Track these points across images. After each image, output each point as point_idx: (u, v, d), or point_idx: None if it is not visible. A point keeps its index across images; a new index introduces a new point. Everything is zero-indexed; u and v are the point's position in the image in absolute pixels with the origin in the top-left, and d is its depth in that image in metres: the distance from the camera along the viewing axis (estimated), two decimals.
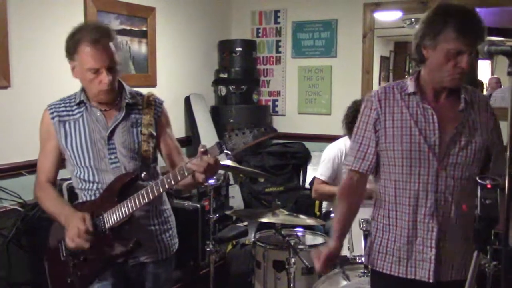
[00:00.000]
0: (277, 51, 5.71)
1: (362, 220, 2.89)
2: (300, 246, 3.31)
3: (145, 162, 2.36)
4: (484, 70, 8.40)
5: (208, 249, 3.71)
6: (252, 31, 5.79)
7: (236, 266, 4.09)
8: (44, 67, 3.63)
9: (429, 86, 2.11)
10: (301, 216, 3.39)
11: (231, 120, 5.29)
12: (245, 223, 4.61)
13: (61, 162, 2.40)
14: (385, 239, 2.18)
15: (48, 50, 3.60)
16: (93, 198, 2.33)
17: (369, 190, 2.36)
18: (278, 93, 5.76)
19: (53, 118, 2.33)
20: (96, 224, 2.22)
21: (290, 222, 3.32)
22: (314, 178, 3.87)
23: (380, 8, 5.10)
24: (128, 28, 4.42)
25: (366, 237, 2.75)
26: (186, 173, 2.12)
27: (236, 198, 4.98)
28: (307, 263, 3.16)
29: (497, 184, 1.64)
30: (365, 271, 2.92)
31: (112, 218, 2.23)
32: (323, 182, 3.68)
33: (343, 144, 3.67)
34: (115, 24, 4.27)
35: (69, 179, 2.56)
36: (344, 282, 2.99)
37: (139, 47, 4.55)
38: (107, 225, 2.24)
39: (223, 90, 5.49)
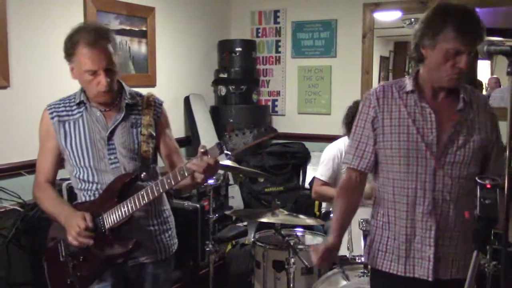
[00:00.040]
0: (277, 51, 5.71)
1: (361, 220, 2.89)
2: (300, 246, 3.31)
3: (144, 163, 2.36)
4: (483, 70, 8.40)
5: (207, 249, 3.71)
6: (251, 31, 5.79)
7: (236, 266, 4.09)
8: (44, 67, 3.63)
9: (427, 85, 2.11)
10: (301, 216, 3.39)
11: (231, 120, 5.29)
12: (245, 223, 4.61)
13: (60, 162, 2.40)
14: (384, 237, 2.18)
15: (48, 50, 3.60)
16: (92, 198, 2.33)
17: (369, 190, 2.36)
18: (278, 93, 5.76)
19: (52, 118, 2.32)
20: (95, 224, 2.22)
21: (289, 222, 3.32)
22: (313, 178, 3.87)
23: (380, 8, 5.10)
24: (128, 28, 4.42)
25: (365, 237, 2.75)
26: (186, 174, 2.12)
27: (235, 198, 4.98)
28: (306, 263, 3.16)
29: (497, 184, 1.64)
30: (365, 271, 2.92)
31: (111, 218, 2.23)
32: (324, 183, 3.68)
33: (343, 144, 3.67)
34: (114, 24, 4.27)
35: (69, 179, 2.56)
36: (344, 282, 2.99)
37: (138, 47, 4.55)
38: (107, 226, 2.24)
39: (222, 90, 5.50)
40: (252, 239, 3.63)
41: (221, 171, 4.35)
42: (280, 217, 3.24)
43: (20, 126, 3.46)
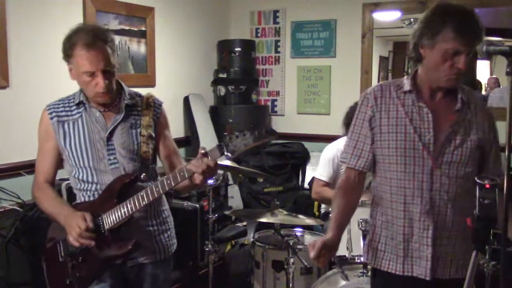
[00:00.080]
0: (276, 51, 5.71)
1: (361, 220, 2.90)
2: (299, 246, 3.31)
3: (144, 163, 2.36)
4: (482, 70, 8.40)
5: (207, 249, 3.71)
6: (251, 31, 5.79)
7: (235, 266, 4.09)
8: (43, 67, 3.62)
9: (425, 85, 2.11)
10: (300, 216, 3.40)
11: (230, 120, 5.29)
12: (244, 223, 4.61)
13: (59, 163, 2.40)
14: (383, 237, 2.19)
15: (47, 50, 3.60)
16: (92, 198, 2.33)
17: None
18: (277, 93, 5.76)
19: (52, 118, 2.32)
20: (95, 225, 2.21)
21: (289, 222, 3.32)
22: (313, 178, 3.87)
23: (379, 8, 5.10)
24: (127, 28, 4.42)
25: (365, 237, 2.76)
26: (186, 175, 2.12)
27: (235, 198, 4.98)
28: (306, 263, 3.17)
29: (496, 184, 1.64)
30: (364, 271, 2.93)
31: (111, 219, 2.23)
32: (324, 183, 3.67)
33: (342, 144, 3.66)
34: (114, 24, 4.27)
35: (68, 179, 2.56)
36: (343, 282, 3.00)
37: (138, 47, 4.55)
38: (106, 226, 2.23)
39: (222, 90, 5.50)
40: (252, 239, 3.63)
41: (220, 171, 4.35)
42: (280, 217, 3.24)
43: (19, 126, 3.46)
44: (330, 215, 2.23)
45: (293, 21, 5.57)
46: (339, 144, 3.72)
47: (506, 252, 1.78)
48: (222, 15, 5.76)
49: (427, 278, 2.07)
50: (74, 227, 2.16)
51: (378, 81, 5.92)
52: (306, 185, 5.09)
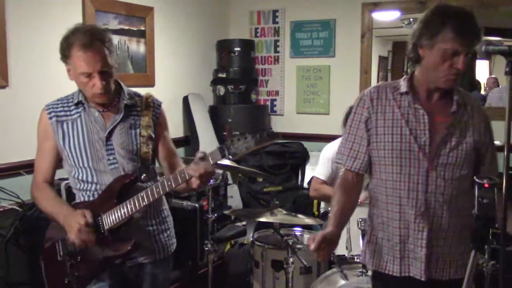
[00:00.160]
0: (276, 51, 5.71)
1: (360, 220, 2.90)
2: (299, 246, 3.32)
3: (144, 164, 2.36)
4: (482, 70, 8.41)
5: (206, 248, 3.71)
6: (250, 31, 5.79)
7: (235, 266, 4.09)
8: (42, 67, 3.62)
9: (422, 86, 2.12)
10: (300, 215, 3.40)
11: (230, 120, 5.29)
12: (244, 223, 4.61)
13: (58, 162, 2.40)
14: (379, 238, 2.19)
15: (46, 50, 3.60)
16: (91, 198, 2.33)
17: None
18: (277, 93, 5.76)
19: (50, 118, 2.32)
20: (95, 224, 2.22)
21: (288, 222, 3.32)
22: (312, 177, 3.87)
23: (379, 8, 5.11)
24: (127, 28, 4.42)
25: (364, 236, 2.76)
26: (187, 176, 2.12)
27: (234, 197, 4.98)
28: (305, 263, 3.17)
29: (495, 183, 1.64)
30: (363, 271, 2.93)
31: (111, 219, 2.23)
32: (322, 181, 3.68)
33: None
34: (113, 24, 4.27)
35: (67, 179, 2.56)
36: (342, 282, 3.00)
37: (137, 47, 4.55)
38: (106, 226, 2.23)
39: (221, 90, 5.50)
40: (251, 239, 3.63)
41: (220, 171, 4.35)
42: (279, 216, 3.24)
43: (18, 126, 3.46)
44: (329, 214, 2.23)
45: (292, 21, 5.57)
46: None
47: (505, 252, 1.78)
48: (222, 15, 5.76)
49: (422, 279, 2.08)
50: (73, 224, 2.16)
51: (378, 81, 5.93)
52: (305, 185, 5.09)
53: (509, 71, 1.70)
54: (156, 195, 2.18)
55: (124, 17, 4.37)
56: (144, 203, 2.19)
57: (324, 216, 3.84)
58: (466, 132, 2.08)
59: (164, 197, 2.50)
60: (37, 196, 2.37)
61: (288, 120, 5.69)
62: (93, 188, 2.32)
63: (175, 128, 4.94)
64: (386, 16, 5.20)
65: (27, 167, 3.26)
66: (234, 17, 5.84)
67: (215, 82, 5.55)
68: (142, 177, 2.32)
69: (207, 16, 5.47)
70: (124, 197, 2.23)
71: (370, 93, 2.18)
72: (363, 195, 2.46)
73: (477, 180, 1.66)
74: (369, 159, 2.18)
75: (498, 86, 7.50)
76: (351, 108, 3.53)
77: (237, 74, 5.49)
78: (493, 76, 7.99)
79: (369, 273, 2.57)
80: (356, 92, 5.10)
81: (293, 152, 5.28)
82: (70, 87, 2.39)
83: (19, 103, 3.49)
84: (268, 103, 5.80)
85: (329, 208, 3.49)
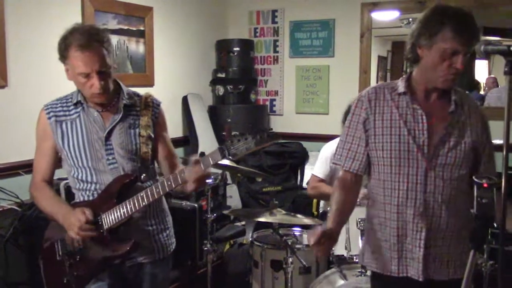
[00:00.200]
0: (275, 51, 5.71)
1: (359, 220, 2.90)
2: (298, 246, 3.31)
3: (144, 164, 2.36)
4: (481, 70, 8.42)
5: (205, 248, 3.71)
6: (249, 30, 5.79)
7: (234, 266, 4.09)
8: (42, 67, 3.62)
9: (420, 87, 2.12)
10: (299, 215, 3.39)
11: (229, 120, 5.29)
12: (243, 223, 4.61)
13: (57, 162, 2.40)
14: (377, 239, 2.19)
15: (46, 50, 3.59)
16: (91, 198, 2.33)
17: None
18: (276, 93, 5.76)
19: (49, 118, 2.32)
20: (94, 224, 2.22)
21: (287, 222, 3.32)
22: (311, 175, 3.87)
23: (378, 8, 5.11)
24: (126, 27, 4.42)
25: (363, 236, 2.76)
26: (180, 181, 2.13)
27: (233, 197, 4.98)
28: (304, 263, 3.17)
29: (494, 183, 1.65)
30: (362, 271, 2.93)
31: (110, 219, 2.23)
32: (320, 179, 3.68)
33: None
34: (112, 23, 4.27)
35: (66, 178, 2.56)
36: (342, 282, 3.00)
37: (136, 47, 4.55)
38: (105, 226, 2.23)
39: (220, 90, 5.50)
40: (250, 239, 3.63)
41: (219, 171, 4.35)
42: (278, 216, 3.24)
43: (18, 126, 3.46)
44: (328, 214, 2.23)
45: (292, 21, 5.57)
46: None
47: (504, 252, 1.78)
48: (221, 14, 5.76)
49: (420, 279, 2.08)
50: (74, 222, 2.17)
51: (377, 81, 5.93)
52: (304, 185, 5.09)
53: (508, 71, 1.70)
54: (156, 195, 2.19)
55: (123, 17, 4.37)
56: (144, 203, 2.19)
57: (323, 216, 3.84)
58: (464, 132, 2.08)
59: (163, 197, 2.50)
60: (36, 195, 2.37)
61: (287, 120, 5.69)
62: (92, 188, 2.32)
63: (174, 128, 4.94)
64: (385, 16, 5.20)
65: (26, 167, 3.26)
66: (233, 17, 5.84)
67: (214, 82, 5.55)
68: (142, 177, 2.32)
69: (206, 16, 5.47)
70: (124, 197, 2.23)
71: (368, 94, 2.18)
72: (361, 194, 2.45)
73: (476, 180, 1.66)
74: (367, 159, 2.18)
75: (497, 86, 7.50)
76: (350, 106, 3.56)
77: (236, 74, 5.49)
78: (492, 76, 8.00)
79: (368, 273, 2.56)
80: (355, 92, 5.09)
81: (292, 152, 5.28)
82: (69, 87, 2.38)
83: (18, 103, 3.49)
84: (268, 103, 5.80)
85: (328, 208, 3.50)
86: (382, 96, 2.15)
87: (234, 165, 3.48)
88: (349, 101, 3.57)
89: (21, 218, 3.23)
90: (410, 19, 5.39)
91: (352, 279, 2.98)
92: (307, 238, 2.07)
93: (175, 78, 5.07)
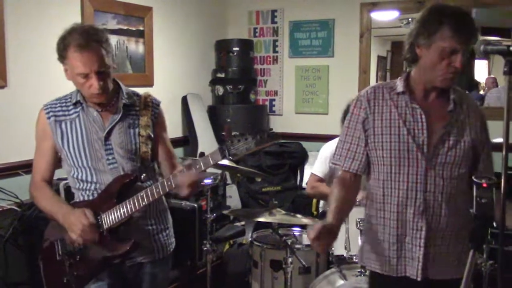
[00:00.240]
0: (274, 51, 5.71)
1: (358, 220, 2.90)
2: (297, 246, 3.31)
3: (143, 164, 2.36)
4: (481, 70, 8.41)
5: (205, 248, 3.71)
6: (249, 30, 5.79)
7: (233, 266, 4.09)
8: (41, 67, 3.62)
9: (419, 86, 2.12)
10: (298, 215, 3.39)
11: (228, 120, 5.29)
12: (242, 223, 4.61)
13: (57, 162, 2.40)
14: (375, 239, 2.19)
15: (45, 50, 3.58)
16: (90, 198, 2.33)
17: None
18: (275, 93, 5.76)
19: (49, 118, 2.32)
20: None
21: (287, 222, 3.32)
22: (310, 174, 3.86)
23: (377, 8, 5.11)
24: (125, 27, 4.42)
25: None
26: (173, 186, 2.14)
27: (233, 197, 4.99)
28: (304, 263, 3.17)
29: (493, 183, 1.65)
30: (362, 271, 2.93)
31: (110, 218, 2.23)
32: (320, 178, 3.68)
33: None
34: (112, 23, 4.27)
35: (66, 178, 2.56)
36: (341, 281, 3.00)
37: (136, 47, 4.55)
38: (105, 226, 2.23)
39: (220, 90, 5.50)
40: (250, 239, 3.63)
41: (218, 171, 4.35)
42: (278, 216, 3.24)
43: (17, 126, 3.46)
44: (327, 213, 2.22)
45: (291, 21, 5.57)
46: None
47: (503, 251, 1.78)
48: (220, 15, 5.76)
49: (418, 279, 2.08)
50: (76, 224, 2.16)
51: (376, 81, 5.93)
52: (304, 185, 5.09)
53: (508, 71, 1.70)
54: (156, 195, 2.19)
55: (123, 17, 4.37)
56: (144, 203, 2.19)
57: (322, 215, 3.83)
58: (463, 130, 2.09)
59: (163, 197, 2.50)
60: (36, 195, 2.37)
61: (286, 120, 5.69)
62: (92, 187, 2.32)
63: (173, 128, 4.94)
64: (384, 16, 5.20)
65: (26, 167, 3.26)
66: (232, 17, 5.84)
67: (214, 82, 5.55)
68: (142, 176, 2.32)
69: (205, 16, 5.47)
70: (124, 196, 2.23)
71: (367, 94, 2.18)
72: (359, 196, 2.45)
73: (475, 180, 1.66)
74: (367, 159, 2.18)
75: (497, 86, 7.49)
76: (349, 106, 3.56)
77: (236, 74, 5.49)
78: (492, 76, 7.99)
79: (368, 273, 2.56)
80: (355, 92, 5.09)
81: (292, 152, 5.28)
82: (68, 87, 2.38)
83: (18, 103, 3.49)
84: (267, 103, 5.80)
85: (328, 208, 3.50)
86: (381, 96, 2.15)
87: (234, 165, 3.49)
88: (348, 101, 3.59)
89: (21, 218, 3.23)
90: (410, 19, 5.38)
91: (352, 279, 2.99)
92: (307, 233, 2.05)
93: (175, 78, 5.06)
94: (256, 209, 4.42)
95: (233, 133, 2.09)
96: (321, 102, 5.49)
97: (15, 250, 3.21)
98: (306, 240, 3.58)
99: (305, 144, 5.37)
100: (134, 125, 2.34)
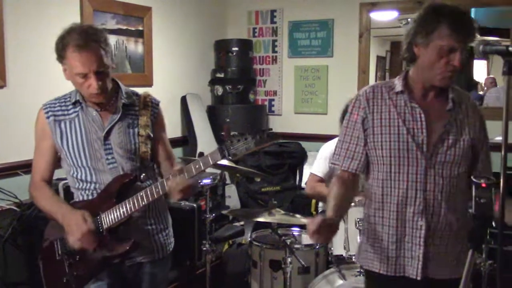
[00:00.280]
0: (274, 51, 5.71)
1: (358, 220, 2.90)
2: (296, 246, 3.31)
3: (143, 163, 2.36)
4: (480, 70, 8.42)
5: (204, 248, 3.71)
6: (248, 30, 5.79)
7: (233, 266, 4.09)
8: (40, 67, 3.62)
9: (417, 85, 2.12)
10: (297, 215, 3.39)
11: (228, 120, 5.29)
12: (242, 223, 4.61)
13: (57, 162, 2.40)
14: (373, 239, 2.19)
15: (44, 50, 3.55)
16: (90, 197, 2.33)
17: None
18: (275, 93, 5.76)
19: (48, 117, 2.32)
20: (93, 224, 2.21)
21: (286, 222, 3.32)
22: (309, 174, 3.86)
23: (376, 8, 5.11)
24: (125, 27, 4.42)
25: None
26: (186, 176, 2.13)
27: (232, 197, 4.98)
28: (303, 263, 3.17)
29: (492, 183, 1.65)
30: (361, 270, 2.93)
31: (110, 218, 2.23)
32: (320, 178, 3.67)
33: None
34: (111, 23, 4.27)
35: (65, 178, 2.55)
36: (340, 281, 3.01)
37: (135, 47, 4.55)
38: (105, 226, 2.23)
39: (219, 90, 5.49)
40: (249, 239, 3.63)
41: (218, 171, 4.35)
42: (277, 216, 3.24)
43: (16, 126, 3.46)
44: (326, 210, 2.22)
45: (291, 21, 5.57)
46: None
47: (502, 251, 1.78)
48: (220, 14, 5.76)
49: (418, 278, 2.08)
50: (74, 228, 2.16)
51: (376, 81, 5.92)
52: (303, 185, 5.08)
53: (507, 71, 1.70)
54: (155, 195, 2.19)
55: (122, 17, 4.37)
56: (143, 203, 2.19)
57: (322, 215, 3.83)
58: (462, 129, 2.09)
59: (163, 197, 2.50)
60: (35, 195, 2.37)
61: (286, 120, 5.69)
62: (92, 187, 2.32)
63: (173, 128, 4.94)
64: (384, 16, 5.20)
65: (25, 167, 3.26)
66: (232, 17, 5.84)
67: (213, 82, 5.55)
68: (141, 176, 2.32)
69: (205, 16, 5.47)
70: (123, 196, 2.23)
71: (366, 93, 2.18)
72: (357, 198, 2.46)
73: (474, 180, 1.67)
74: (366, 159, 2.18)
75: (496, 86, 7.50)
76: (347, 106, 3.56)
77: (235, 74, 5.49)
78: (491, 76, 8.00)
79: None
80: (354, 92, 5.03)
81: (291, 152, 5.28)
82: (67, 87, 2.38)
83: (17, 103, 3.49)
84: (266, 103, 5.80)
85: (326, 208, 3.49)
86: (380, 95, 2.15)
87: (233, 165, 3.48)
88: (347, 101, 3.59)
89: (20, 218, 3.23)
90: (409, 19, 5.35)
91: (351, 279, 2.99)
92: (306, 226, 2.02)
93: (174, 78, 5.06)
94: (255, 209, 4.42)
95: (232, 133, 2.09)
96: (320, 102, 5.50)
97: (14, 250, 3.21)
98: (305, 240, 3.59)
99: (304, 144, 5.37)
100: (134, 124, 2.34)
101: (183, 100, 5.13)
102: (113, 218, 2.22)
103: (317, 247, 3.37)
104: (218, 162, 2.15)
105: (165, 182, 2.15)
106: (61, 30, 2.23)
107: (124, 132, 2.32)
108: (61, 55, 2.20)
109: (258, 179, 5.07)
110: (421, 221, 2.06)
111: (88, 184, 2.32)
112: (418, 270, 2.08)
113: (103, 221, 2.23)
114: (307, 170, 5.09)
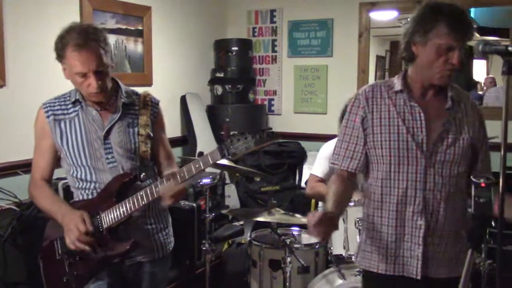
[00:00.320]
0: (273, 51, 5.71)
1: (357, 219, 2.90)
2: (296, 245, 3.31)
3: (143, 163, 2.36)
4: (479, 70, 8.42)
5: (204, 248, 3.71)
6: (248, 30, 5.79)
7: (232, 265, 4.09)
8: (40, 66, 3.62)
9: (416, 84, 2.12)
10: (297, 215, 3.39)
11: (227, 119, 5.29)
12: (241, 222, 4.61)
13: (56, 161, 2.40)
14: (372, 238, 2.19)
15: (44, 50, 3.54)
16: (90, 197, 2.33)
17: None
18: (274, 93, 5.76)
19: (48, 116, 2.32)
20: (93, 224, 2.21)
21: (286, 221, 3.32)
22: (310, 175, 3.86)
23: (376, 8, 5.11)
24: (124, 27, 4.42)
25: None
26: (187, 176, 2.13)
27: (232, 197, 4.98)
28: (303, 262, 3.17)
29: (491, 182, 1.65)
30: (361, 270, 2.93)
31: (109, 218, 2.23)
32: (320, 179, 3.67)
33: None
34: (110, 23, 4.27)
35: (65, 178, 2.55)
36: (340, 281, 3.00)
37: (135, 46, 4.55)
38: (105, 225, 2.24)
39: (219, 90, 5.50)
40: (249, 238, 3.63)
41: (217, 170, 4.35)
42: (276, 216, 3.24)
43: (16, 125, 3.46)
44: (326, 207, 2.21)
45: (290, 21, 5.57)
46: None
47: (502, 251, 1.78)
48: (219, 14, 5.76)
49: (418, 277, 2.08)
50: (73, 229, 2.16)
51: (375, 81, 5.91)
52: (303, 184, 5.09)
53: (506, 70, 1.70)
54: (155, 194, 2.19)
55: (122, 16, 4.37)
56: (143, 202, 2.19)
57: None
58: (462, 128, 2.09)
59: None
60: (35, 194, 2.37)
61: (285, 119, 5.69)
62: (92, 186, 2.32)
63: (172, 128, 4.94)
64: (383, 16, 5.20)
65: (25, 166, 3.27)
66: (232, 16, 5.84)
67: (213, 81, 5.55)
68: (141, 176, 2.32)
69: (205, 16, 5.47)
70: (123, 196, 2.23)
71: (365, 92, 2.18)
72: (356, 197, 2.45)
73: (473, 179, 1.66)
74: (365, 158, 2.18)
75: (496, 85, 7.50)
76: (347, 105, 3.55)
77: (235, 73, 5.49)
78: (490, 75, 8.00)
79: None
80: (353, 91, 5.04)
81: (291, 152, 5.28)
82: (67, 87, 2.39)
83: (17, 103, 3.49)
84: (266, 102, 5.80)
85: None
86: (379, 94, 2.15)
87: (233, 164, 3.48)
88: (346, 101, 3.59)
89: (20, 217, 3.23)
90: (409, 19, 5.39)
91: (351, 278, 2.99)
92: (307, 220, 2.00)
93: (174, 77, 5.06)
94: (255, 208, 4.42)
95: (232, 133, 2.09)
96: (320, 102, 5.50)
97: (14, 249, 3.22)
98: (305, 239, 3.59)
99: (304, 144, 5.37)
100: (133, 124, 2.34)
101: (183, 99, 5.13)
102: (113, 217, 2.22)
103: (316, 246, 3.37)
104: (218, 162, 2.15)
105: (164, 182, 2.15)
106: (61, 29, 2.23)
107: (124, 132, 2.32)
108: (60, 55, 2.20)
109: (258, 179, 5.07)
110: (421, 220, 2.07)
111: (88, 184, 2.32)
112: (418, 269, 2.08)
113: (103, 221, 2.23)
114: (307, 170, 5.11)
